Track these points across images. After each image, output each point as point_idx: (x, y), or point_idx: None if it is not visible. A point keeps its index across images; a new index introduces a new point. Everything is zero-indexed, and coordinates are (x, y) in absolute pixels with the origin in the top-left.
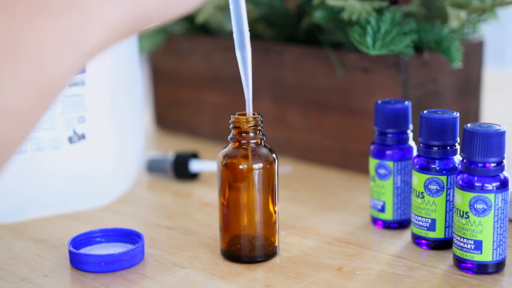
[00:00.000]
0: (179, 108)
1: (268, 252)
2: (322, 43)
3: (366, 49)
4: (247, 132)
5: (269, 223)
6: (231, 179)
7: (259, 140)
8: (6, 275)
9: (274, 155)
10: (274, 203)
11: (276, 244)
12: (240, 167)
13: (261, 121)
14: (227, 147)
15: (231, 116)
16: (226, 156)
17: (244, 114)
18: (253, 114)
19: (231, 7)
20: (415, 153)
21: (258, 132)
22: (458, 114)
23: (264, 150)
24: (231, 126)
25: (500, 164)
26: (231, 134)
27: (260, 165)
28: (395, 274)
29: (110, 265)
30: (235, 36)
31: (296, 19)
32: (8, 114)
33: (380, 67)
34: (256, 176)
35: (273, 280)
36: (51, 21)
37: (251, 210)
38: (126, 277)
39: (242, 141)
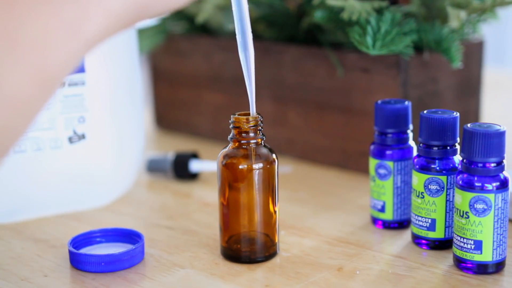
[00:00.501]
0: (179, 108)
1: (268, 252)
2: (322, 43)
3: (366, 49)
4: (247, 132)
5: (269, 223)
6: (231, 179)
7: (259, 140)
8: (6, 275)
9: (274, 155)
10: (274, 203)
11: (276, 244)
12: (240, 167)
13: (261, 121)
14: (227, 147)
15: (231, 116)
16: (226, 156)
17: (244, 114)
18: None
19: (234, 8)
20: (415, 153)
21: (258, 132)
22: (458, 114)
23: (264, 150)
24: (231, 126)
25: (500, 164)
26: (231, 134)
27: (260, 165)
28: (395, 274)
29: (110, 265)
30: (238, 37)
31: (296, 19)
32: (12, 103)
33: (380, 67)
34: (256, 176)
35: (273, 280)
36: (52, 10)
37: (251, 210)
38: (126, 277)
39: (242, 141)
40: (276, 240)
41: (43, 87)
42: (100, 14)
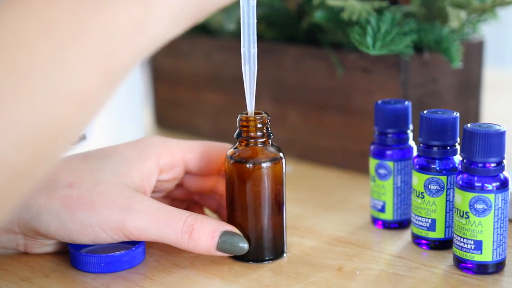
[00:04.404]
0: (179, 108)
1: (276, 252)
2: (322, 43)
3: (366, 49)
4: (254, 131)
5: (277, 223)
6: (238, 178)
7: (267, 139)
8: (6, 275)
9: (281, 154)
10: (282, 203)
11: (284, 243)
12: (247, 166)
13: (269, 120)
14: (234, 146)
15: (239, 115)
16: (233, 155)
17: (252, 113)
18: (260, 113)
19: (242, 20)
20: (415, 153)
21: (265, 131)
22: (458, 114)
23: (271, 149)
24: (238, 125)
25: (500, 164)
26: (237, 133)
27: (268, 164)
28: (395, 274)
29: (110, 265)
30: (243, 50)
31: (296, 19)
32: (76, 98)
33: (380, 67)
34: (264, 175)
35: (273, 280)
36: (120, 6)
37: (258, 209)
38: (126, 277)
39: (250, 140)
40: (284, 239)
41: (106, 84)
42: (163, 12)
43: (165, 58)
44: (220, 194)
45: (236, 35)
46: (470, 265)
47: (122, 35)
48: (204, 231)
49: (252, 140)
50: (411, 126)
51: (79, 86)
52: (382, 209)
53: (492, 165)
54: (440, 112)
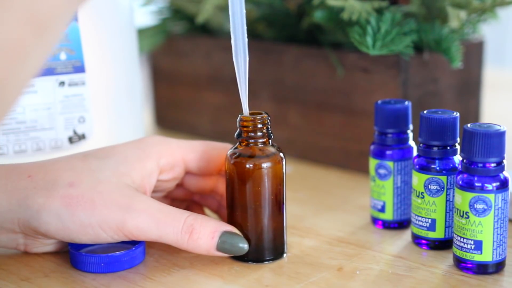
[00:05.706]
0: (179, 108)
1: (276, 252)
2: (322, 43)
3: (366, 49)
4: (254, 132)
5: (277, 223)
6: (239, 178)
7: (267, 139)
8: (6, 275)
9: (281, 154)
10: (282, 203)
11: (284, 243)
12: (248, 166)
13: (269, 120)
14: (235, 146)
15: (239, 115)
16: (233, 155)
17: (252, 114)
18: (261, 113)
19: (230, 11)
20: (415, 153)
21: (265, 131)
22: (458, 114)
23: (272, 149)
24: (238, 125)
25: (500, 164)
26: (238, 133)
27: (268, 164)
28: (395, 274)
29: (110, 265)
30: (233, 41)
31: (296, 19)
32: (5, 50)
33: (380, 67)
34: (264, 175)
35: (273, 280)
36: None
37: (258, 210)
38: (126, 277)
39: (250, 140)
40: (284, 239)
41: (37, 33)
42: None
43: (165, 58)
44: (220, 194)
45: None
46: (470, 265)
47: None
48: (204, 231)
49: (252, 140)
50: (411, 126)
51: (6, 40)
52: (382, 209)
53: (492, 165)
54: (440, 112)
